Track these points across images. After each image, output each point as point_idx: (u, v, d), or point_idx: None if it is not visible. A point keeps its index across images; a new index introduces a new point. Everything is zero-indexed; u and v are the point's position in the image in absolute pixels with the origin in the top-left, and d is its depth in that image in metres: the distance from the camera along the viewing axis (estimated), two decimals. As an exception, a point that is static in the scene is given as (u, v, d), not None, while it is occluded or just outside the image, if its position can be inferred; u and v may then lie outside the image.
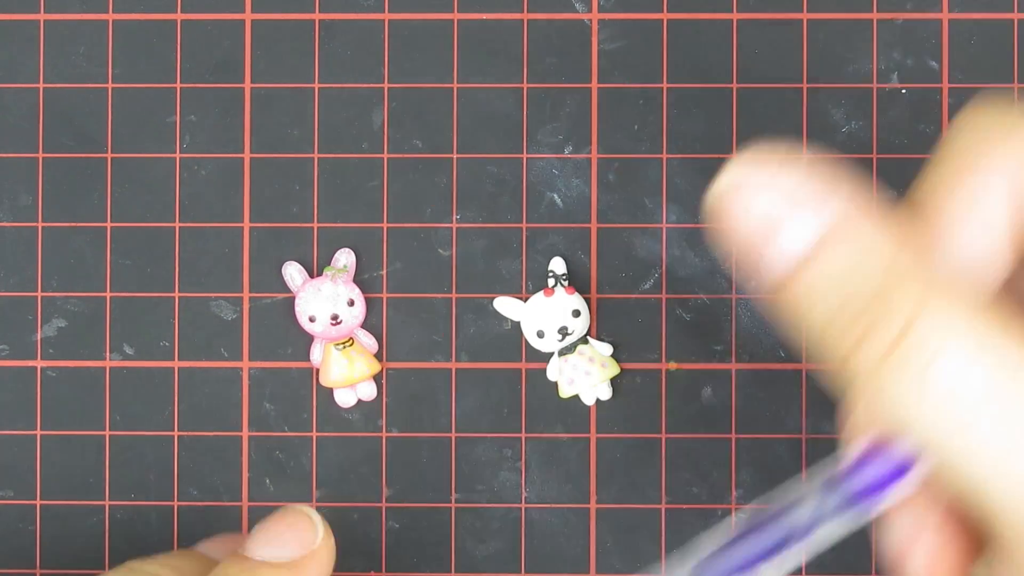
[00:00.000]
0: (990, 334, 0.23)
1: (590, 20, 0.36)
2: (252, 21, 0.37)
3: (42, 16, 0.37)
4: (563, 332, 0.35)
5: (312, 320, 0.36)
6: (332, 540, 0.34)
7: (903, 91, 0.36)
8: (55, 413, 0.36)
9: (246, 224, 0.36)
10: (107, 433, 0.36)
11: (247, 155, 0.36)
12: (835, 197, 0.23)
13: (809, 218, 0.23)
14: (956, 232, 0.25)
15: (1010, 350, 0.23)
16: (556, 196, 0.36)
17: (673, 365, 0.36)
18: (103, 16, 0.37)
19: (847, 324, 0.23)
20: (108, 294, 0.36)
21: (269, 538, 0.33)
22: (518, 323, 0.36)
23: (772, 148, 0.22)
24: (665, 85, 0.36)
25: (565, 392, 0.36)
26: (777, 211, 0.23)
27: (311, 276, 0.36)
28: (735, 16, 0.36)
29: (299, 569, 0.33)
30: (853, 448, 0.25)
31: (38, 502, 0.36)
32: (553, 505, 0.36)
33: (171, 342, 0.36)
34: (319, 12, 0.37)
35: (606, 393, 0.36)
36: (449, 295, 0.36)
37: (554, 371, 0.36)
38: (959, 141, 0.25)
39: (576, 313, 0.35)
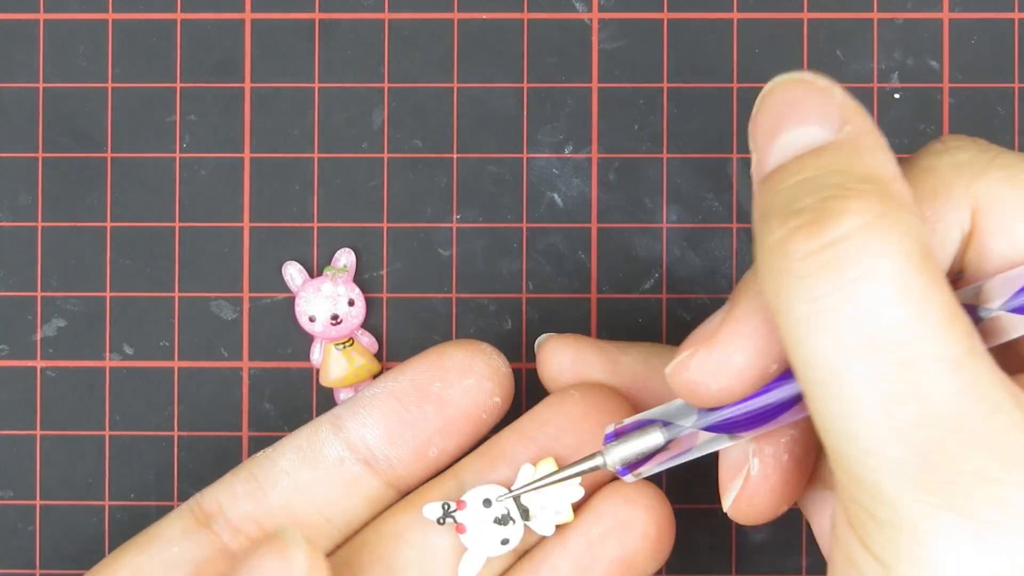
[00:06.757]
0: (923, 286, 0.22)
1: (590, 20, 0.36)
2: (252, 21, 0.37)
3: (42, 16, 0.37)
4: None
5: (312, 320, 0.36)
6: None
7: (896, 95, 0.36)
8: (55, 413, 0.36)
9: (246, 224, 0.36)
10: (107, 433, 0.36)
11: (247, 155, 0.36)
12: (855, 109, 0.24)
13: (829, 106, 0.24)
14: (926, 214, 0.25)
15: (931, 306, 0.21)
16: (556, 196, 0.36)
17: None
18: (103, 16, 0.37)
19: (797, 207, 0.22)
20: (108, 294, 0.36)
21: None
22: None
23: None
24: (665, 85, 0.36)
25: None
26: (801, 98, 0.24)
27: (311, 276, 0.36)
28: (735, 16, 0.36)
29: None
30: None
31: (38, 502, 0.36)
32: (553, 505, 0.36)
33: (171, 342, 0.36)
34: (319, 12, 0.36)
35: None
36: (449, 295, 0.36)
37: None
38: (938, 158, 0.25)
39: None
